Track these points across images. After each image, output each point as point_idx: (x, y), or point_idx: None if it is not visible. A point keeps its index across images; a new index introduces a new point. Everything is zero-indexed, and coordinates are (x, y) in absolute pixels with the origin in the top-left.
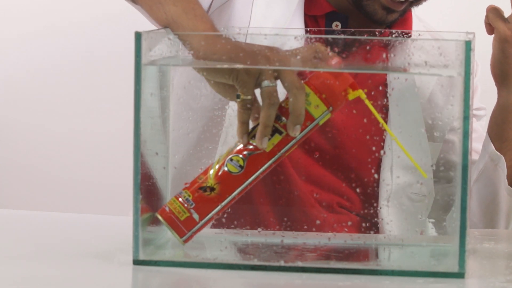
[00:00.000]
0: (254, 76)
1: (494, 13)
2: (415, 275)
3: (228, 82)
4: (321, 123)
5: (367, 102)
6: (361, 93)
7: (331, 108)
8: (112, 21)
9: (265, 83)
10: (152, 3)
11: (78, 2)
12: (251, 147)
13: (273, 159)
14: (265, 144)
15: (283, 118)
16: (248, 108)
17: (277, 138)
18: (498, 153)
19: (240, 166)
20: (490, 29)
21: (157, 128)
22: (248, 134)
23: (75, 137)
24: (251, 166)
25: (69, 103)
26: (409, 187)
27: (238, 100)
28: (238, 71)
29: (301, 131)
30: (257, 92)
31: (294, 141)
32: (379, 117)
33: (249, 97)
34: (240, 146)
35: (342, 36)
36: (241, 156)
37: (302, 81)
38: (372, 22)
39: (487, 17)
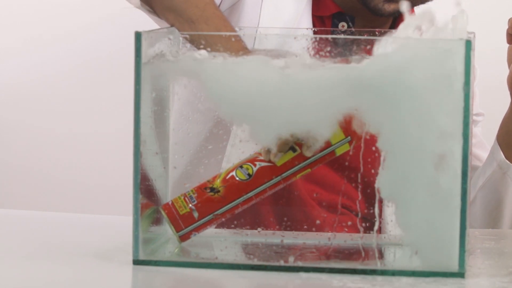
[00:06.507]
0: None
1: None
2: (415, 275)
3: None
4: (338, 153)
5: None
6: None
7: (349, 137)
8: (112, 21)
9: None
10: (182, 21)
11: (78, 2)
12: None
13: (282, 175)
14: (277, 158)
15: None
16: None
17: (290, 154)
18: (508, 162)
19: (248, 174)
20: (511, 39)
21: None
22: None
23: (75, 137)
24: (259, 177)
25: (68, 103)
26: None
27: None
28: None
29: (316, 153)
30: None
31: (306, 162)
32: None
33: None
34: (255, 157)
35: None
36: (251, 165)
37: None
38: (369, 10)
39: (511, 28)
